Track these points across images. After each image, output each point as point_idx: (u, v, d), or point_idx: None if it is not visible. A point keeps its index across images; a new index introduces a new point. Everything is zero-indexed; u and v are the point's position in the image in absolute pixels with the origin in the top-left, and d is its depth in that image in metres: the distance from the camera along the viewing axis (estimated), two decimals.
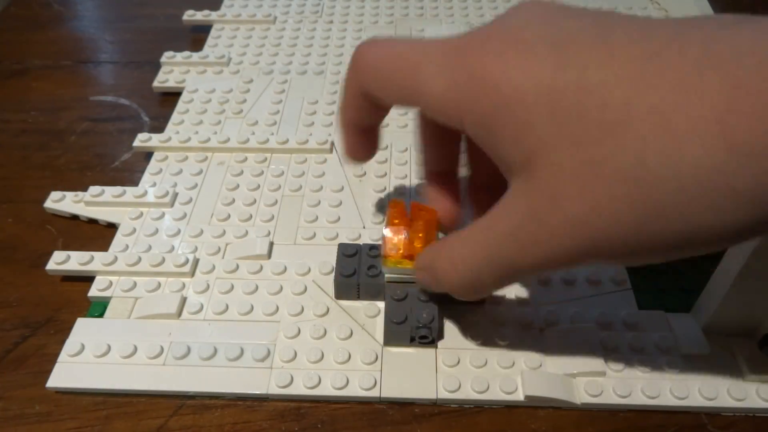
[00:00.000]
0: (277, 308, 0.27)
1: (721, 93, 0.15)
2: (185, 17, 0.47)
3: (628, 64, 0.16)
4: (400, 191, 0.33)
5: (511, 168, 0.19)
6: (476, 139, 0.20)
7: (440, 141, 0.25)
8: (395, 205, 0.26)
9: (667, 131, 0.15)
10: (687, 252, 0.17)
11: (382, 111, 0.24)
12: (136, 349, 0.25)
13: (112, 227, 0.32)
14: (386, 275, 0.26)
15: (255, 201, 0.33)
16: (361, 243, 0.28)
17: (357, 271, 0.27)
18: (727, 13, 0.16)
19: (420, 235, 0.25)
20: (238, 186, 0.33)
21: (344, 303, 0.27)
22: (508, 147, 0.18)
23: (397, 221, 0.26)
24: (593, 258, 0.18)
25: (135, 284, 0.28)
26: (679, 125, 0.15)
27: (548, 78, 0.17)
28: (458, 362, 0.25)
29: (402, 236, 0.25)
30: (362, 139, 0.25)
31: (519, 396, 0.24)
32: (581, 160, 0.17)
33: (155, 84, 0.41)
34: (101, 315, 0.27)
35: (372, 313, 0.27)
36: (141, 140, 0.36)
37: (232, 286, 0.28)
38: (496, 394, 0.24)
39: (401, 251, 0.25)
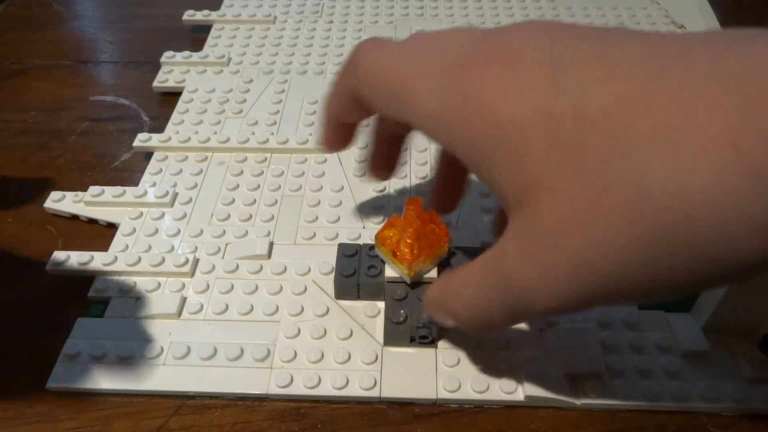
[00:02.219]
0: (277, 308, 0.27)
1: (733, 111, 0.13)
2: (185, 17, 0.47)
3: (630, 85, 0.15)
4: (401, 191, 0.33)
5: (507, 199, 0.18)
6: (467, 163, 0.19)
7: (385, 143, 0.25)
8: (412, 202, 0.26)
9: (672, 156, 0.14)
10: (703, 287, 0.16)
11: (368, 113, 0.24)
12: (136, 349, 0.25)
13: (112, 227, 0.32)
14: (386, 275, 0.26)
15: (255, 201, 0.33)
16: (361, 243, 0.28)
17: (357, 271, 0.27)
18: (737, 28, 0.15)
19: (408, 241, 0.25)
20: (238, 186, 0.33)
21: (344, 303, 0.27)
22: (503, 176, 0.17)
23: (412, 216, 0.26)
24: (604, 300, 0.17)
25: (135, 284, 0.28)
26: (685, 149, 0.14)
27: (546, 104, 0.16)
28: (458, 362, 0.25)
29: (399, 232, 0.25)
30: (342, 132, 0.25)
31: (519, 396, 0.24)
32: (579, 193, 0.16)
33: (155, 84, 0.41)
34: (101, 315, 0.27)
35: (372, 313, 0.27)
36: (141, 140, 0.36)
37: (232, 286, 0.28)
38: (496, 394, 0.24)
39: (388, 242, 0.26)
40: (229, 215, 0.32)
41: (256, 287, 0.28)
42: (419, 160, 0.35)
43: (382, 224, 0.31)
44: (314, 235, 0.31)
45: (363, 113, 0.24)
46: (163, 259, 0.29)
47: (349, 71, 0.22)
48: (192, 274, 0.29)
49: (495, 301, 0.19)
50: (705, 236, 0.14)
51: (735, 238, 0.14)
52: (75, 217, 0.32)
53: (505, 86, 0.17)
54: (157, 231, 0.31)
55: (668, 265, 0.15)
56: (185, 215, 0.32)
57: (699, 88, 0.14)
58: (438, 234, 0.26)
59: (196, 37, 0.47)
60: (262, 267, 0.29)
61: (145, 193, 0.32)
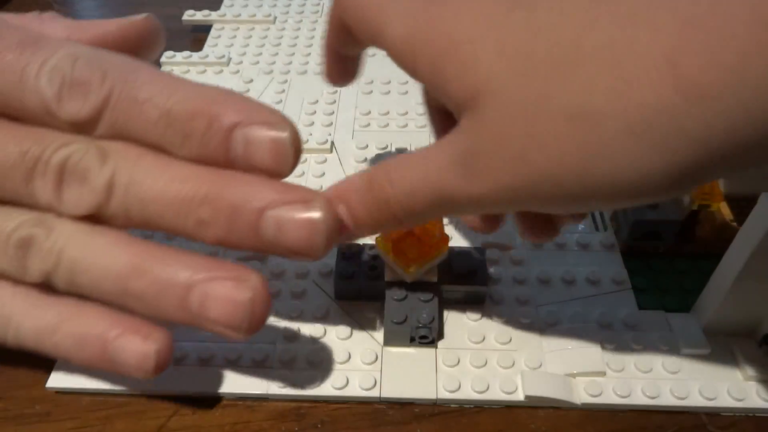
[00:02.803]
0: (277, 309, 0.27)
1: (673, 30, 0.14)
2: (185, 17, 0.47)
3: (577, 4, 0.16)
4: None
5: (459, 107, 0.19)
6: (427, 83, 0.20)
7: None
8: None
9: (615, 70, 0.15)
10: (630, 201, 0.17)
11: (358, 43, 0.24)
12: None
13: None
14: (386, 276, 0.26)
15: None
16: (361, 243, 0.28)
17: (357, 272, 0.27)
18: None
19: (407, 241, 0.25)
20: None
21: (344, 303, 0.27)
22: (455, 84, 0.18)
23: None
24: (532, 199, 0.18)
25: None
26: (627, 64, 0.15)
27: (499, 18, 0.17)
28: (458, 362, 0.25)
29: (398, 232, 0.25)
30: (341, 65, 0.26)
31: (519, 396, 0.24)
32: (528, 96, 0.17)
33: None
34: None
35: (372, 313, 0.27)
36: None
37: None
38: (496, 394, 0.24)
39: (390, 240, 0.26)
40: None
41: None
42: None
43: None
44: None
45: (353, 44, 0.24)
46: None
47: (336, 1, 0.23)
48: None
49: (423, 182, 0.19)
50: (642, 148, 0.15)
51: (669, 151, 0.15)
52: None
53: (464, 7, 0.18)
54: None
55: (605, 172, 0.16)
56: None
57: (642, 8, 0.15)
58: (432, 231, 0.26)
59: (196, 37, 0.47)
60: (261, 267, 0.29)
61: None
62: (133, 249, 0.21)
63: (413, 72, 0.20)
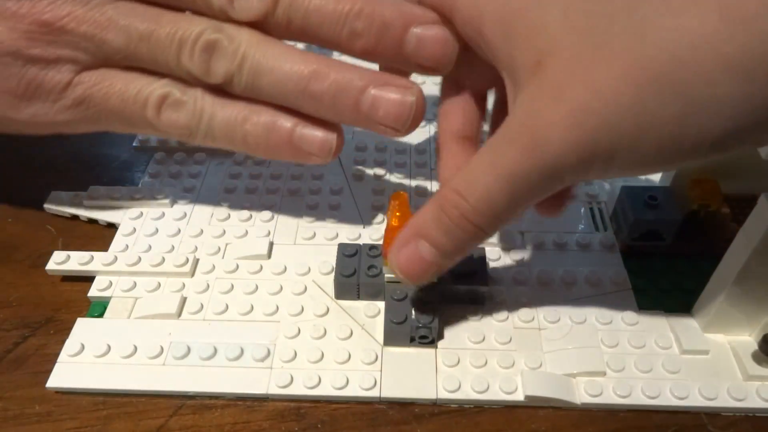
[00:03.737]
0: (277, 308, 0.27)
1: None
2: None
3: None
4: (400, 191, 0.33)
5: (520, 73, 0.19)
6: (491, 46, 0.21)
7: (464, 104, 0.25)
8: (397, 197, 0.26)
9: (667, 7, 0.16)
10: (689, 151, 0.17)
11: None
12: (136, 349, 0.25)
13: (112, 227, 0.32)
14: (386, 275, 0.26)
15: (255, 201, 0.33)
16: (361, 243, 0.28)
17: (357, 271, 0.27)
18: None
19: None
20: (237, 186, 0.33)
21: (344, 303, 0.27)
22: (521, 48, 0.19)
23: (399, 214, 0.25)
24: (599, 158, 0.18)
25: (135, 284, 0.28)
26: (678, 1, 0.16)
27: None
28: (458, 362, 0.25)
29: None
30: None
31: (519, 396, 0.24)
32: (585, 50, 0.17)
33: None
34: (101, 315, 0.27)
35: (372, 313, 0.27)
36: (141, 140, 0.36)
37: (232, 286, 0.28)
38: (496, 394, 0.24)
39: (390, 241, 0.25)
40: (229, 215, 0.32)
41: (256, 287, 0.28)
42: (419, 160, 0.35)
43: (382, 224, 0.31)
44: (314, 235, 0.31)
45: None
46: (163, 259, 0.29)
47: None
48: (192, 274, 0.29)
49: (493, 173, 0.19)
50: (690, 78, 0.16)
51: (715, 82, 0.16)
52: (75, 217, 0.32)
53: None
54: (157, 231, 0.31)
55: (657, 110, 0.17)
56: (185, 215, 0.32)
57: None
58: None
59: None
60: (262, 267, 0.29)
61: (145, 193, 0.32)
62: (310, 57, 0.24)
63: (478, 34, 0.21)
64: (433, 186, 0.33)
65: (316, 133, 0.25)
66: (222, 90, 0.25)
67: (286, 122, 0.25)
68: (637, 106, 0.17)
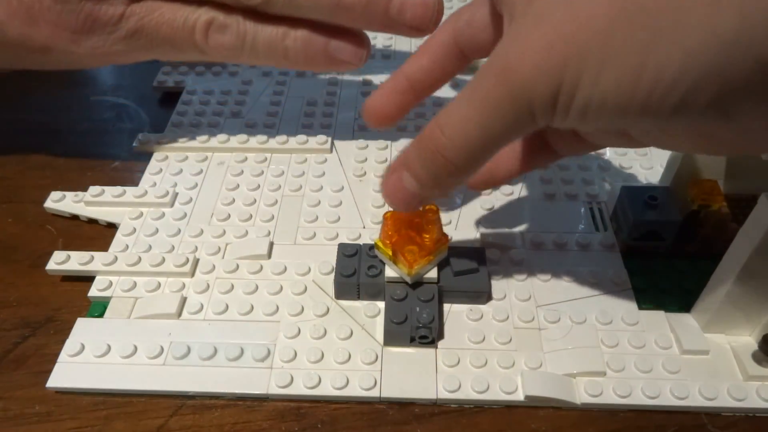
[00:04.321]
0: (277, 308, 0.27)
1: None
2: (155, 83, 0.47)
3: None
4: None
5: (517, 8, 0.19)
6: None
7: (444, 57, 0.25)
8: (392, 216, 0.26)
9: None
10: (647, 93, 0.17)
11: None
12: (136, 349, 0.25)
13: (112, 227, 0.32)
14: (386, 275, 0.26)
15: (255, 201, 0.33)
16: (361, 243, 0.28)
17: (357, 271, 0.27)
18: None
19: (410, 248, 0.25)
20: (238, 186, 0.33)
21: (344, 303, 0.27)
22: None
23: (391, 233, 0.26)
24: (564, 88, 0.18)
25: (135, 284, 0.28)
26: None
27: None
28: (458, 362, 0.25)
29: (396, 233, 0.26)
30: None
31: (519, 396, 0.24)
32: None
33: (155, 84, 0.41)
34: (101, 315, 0.27)
35: (372, 313, 0.27)
36: (141, 140, 0.36)
37: (232, 286, 0.28)
38: (496, 394, 0.24)
39: (390, 241, 0.26)
40: (229, 215, 0.32)
41: (256, 287, 0.28)
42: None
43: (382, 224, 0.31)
44: (314, 235, 0.31)
45: None
46: (163, 259, 0.29)
47: None
48: (192, 274, 0.29)
49: (470, 100, 0.19)
50: (660, 7, 0.16)
51: (681, 8, 0.15)
52: (75, 217, 0.32)
53: None
54: (157, 231, 0.31)
55: (625, 38, 0.16)
56: (185, 215, 0.32)
57: None
58: (433, 231, 0.26)
59: None
60: (262, 267, 0.29)
61: (145, 193, 0.32)
62: None
63: None
64: None
65: (348, 43, 0.29)
66: (258, 12, 0.28)
67: (320, 35, 0.29)
68: (607, 31, 0.16)
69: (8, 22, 0.29)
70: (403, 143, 0.36)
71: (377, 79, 0.41)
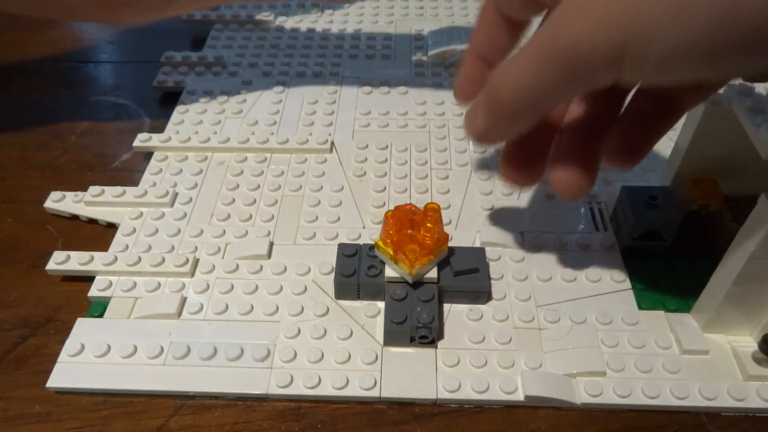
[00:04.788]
0: (277, 308, 0.27)
1: None
2: (185, 17, 0.47)
3: None
4: (401, 191, 0.33)
5: None
6: None
7: (492, 28, 0.26)
8: (393, 215, 0.26)
9: None
10: (739, 38, 0.17)
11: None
12: (136, 349, 0.25)
13: (112, 227, 0.32)
14: (386, 275, 0.26)
15: (255, 201, 0.33)
16: (361, 243, 0.28)
17: (357, 271, 0.27)
18: None
19: (411, 247, 0.25)
20: (238, 186, 0.33)
21: (344, 303, 0.27)
22: None
23: (392, 232, 0.26)
24: (631, 41, 0.18)
25: (135, 284, 0.28)
26: None
27: None
28: (458, 362, 0.25)
29: (396, 233, 0.26)
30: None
31: (519, 396, 0.24)
32: None
33: (155, 84, 0.41)
34: (101, 315, 0.27)
35: (372, 313, 0.27)
36: (141, 140, 0.36)
37: (232, 286, 0.28)
38: (496, 394, 0.24)
39: (390, 243, 0.26)
40: (229, 215, 0.32)
41: (256, 287, 0.28)
42: (419, 160, 0.35)
43: (382, 224, 0.31)
44: (314, 235, 0.31)
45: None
46: (163, 259, 0.29)
47: None
48: (192, 274, 0.29)
49: (534, 51, 0.20)
50: None
51: None
52: (75, 217, 0.32)
53: None
54: (157, 231, 0.31)
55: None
56: (185, 215, 0.32)
57: None
58: (433, 231, 0.26)
59: (195, 38, 0.47)
60: (262, 267, 0.29)
61: (145, 193, 0.32)
62: None
63: None
64: (433, 185, 0.33)
65: None
66: None
67: None
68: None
69: None
70: (403, 143, 0.36)
71: (377, 79, 0.41)
